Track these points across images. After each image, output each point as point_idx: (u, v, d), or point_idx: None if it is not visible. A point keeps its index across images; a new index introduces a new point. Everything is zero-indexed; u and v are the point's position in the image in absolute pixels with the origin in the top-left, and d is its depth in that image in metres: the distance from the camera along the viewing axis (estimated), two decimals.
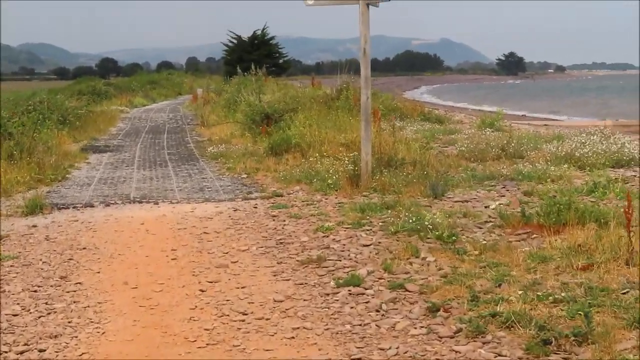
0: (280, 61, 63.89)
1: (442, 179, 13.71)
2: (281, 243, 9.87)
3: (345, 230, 10.31)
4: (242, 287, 7.92)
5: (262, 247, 9.70)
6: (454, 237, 9.33)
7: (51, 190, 14.75)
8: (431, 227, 9.77)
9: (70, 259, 9.39)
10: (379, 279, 7.94)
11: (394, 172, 14.06)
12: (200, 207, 12.76)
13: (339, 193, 13.26)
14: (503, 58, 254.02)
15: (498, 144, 16.88)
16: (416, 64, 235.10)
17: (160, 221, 11.72)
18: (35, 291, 7.96)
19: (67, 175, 16.67)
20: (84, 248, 9.99)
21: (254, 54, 57.45)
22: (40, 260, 9.36)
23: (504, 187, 13.31)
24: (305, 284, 7.94)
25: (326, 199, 13.01)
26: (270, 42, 63.00)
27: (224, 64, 67.73)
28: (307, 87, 40.84)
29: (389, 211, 11.28)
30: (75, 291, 7.94)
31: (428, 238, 9.46)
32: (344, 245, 9.51)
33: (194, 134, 27.07)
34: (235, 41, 62.53)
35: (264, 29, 62.24)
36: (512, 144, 16.66)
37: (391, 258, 8.68)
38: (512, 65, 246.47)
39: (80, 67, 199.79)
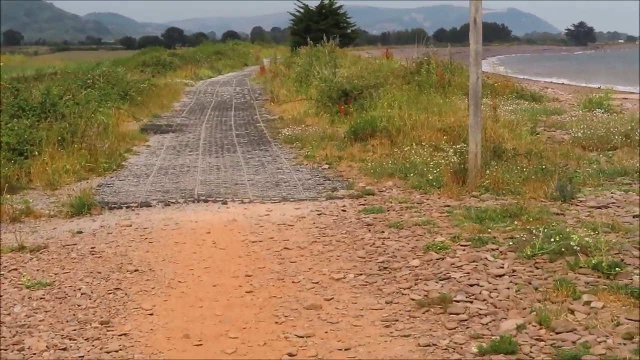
0: (348, 31, 61.55)
1: (565, 174, 11.42)
2: (385, 268, 7.69)
3: (464, 250, 8.08)
4: (345, 349, 5.74)
5: (361, 275, 7.53)
6: (617, 268, 7.03)
7: (103, 183, 12.75)
8: (578, 248, 7.50)
9: (117, 289, 7.33)
10: (537, 339, 5.68)
11: (504, 165, 11.79)
12: (277, 209, 10.64)
13: (442, 192, 11.02)
14: (572, 28, 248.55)
15: (620, 129, 14.44)
16: (484, 34, 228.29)
17: (230, 229, 9.62)
18: (65, 349, 5.88)
19: (123, 163, 14.65)
20: (136, 270, 7.93)
21: (322, 24, 55.75)
22: (79, 289, 7.30)
23: None
24: (434, 345, 5.72)
25: (427, 199, 10.80)
26: (338, 11, 60.73)
27: (290, 34, 65.91)
28: (378, 58, 38.62)
29: (514, 222, 8.99)
30: (117, 351, 5.83)
31: (580, 267, 7.18)
32: (469, 274, 7.28)
33: (264, 111, 24.97)
34: (302, 10, 60.37)
35: None
36: (638, 130, 14.23)
37: (541, 300, 6.45)
38: (581, 35, 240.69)
39: (146, 37, 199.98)
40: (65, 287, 7.41)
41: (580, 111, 19.01)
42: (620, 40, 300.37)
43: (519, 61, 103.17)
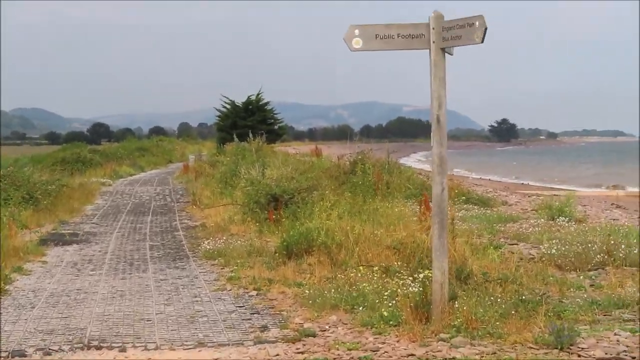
0: (276, 127, 59.90)
1: (551, 308, 9.23)
2: None
3: None
4: None
5: None
6: None
7: None
8: None
9: None
10: None
11: (474, 294, 9.56)
12: None
13: (400, 333, 8.67)
14: (495, 125, 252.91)
15: (599, 245, 12.34)
16: (409, 130, 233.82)
17: None
18: None
19: (7, 288, 12.01)
20: None
21: (249, 120, 54.21)
22: None
23: None
24: None
25: (383, 343, 8.44)
26: (265, 107, 59.17)
27: (217, 130, 63.91)
28: (308, 155, 36.91)
29: None
30: None
31: None
32: None
33: (184, 216, 22.51)
34: (228, 106, 58.56)
35: (258, 94, 58.38)
36: (622, 246, 12.14)
37: None
38: (504, 132, 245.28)
39: (71, 133, 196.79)
40: None
41: (542, 220, 16.97)
42: (541, 137, 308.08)
43: (456, 156, 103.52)
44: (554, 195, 26.13)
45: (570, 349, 7.83)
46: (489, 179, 51.84)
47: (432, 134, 9.09)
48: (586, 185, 46.26)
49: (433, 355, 7.83)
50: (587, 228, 14.82)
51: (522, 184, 48.34)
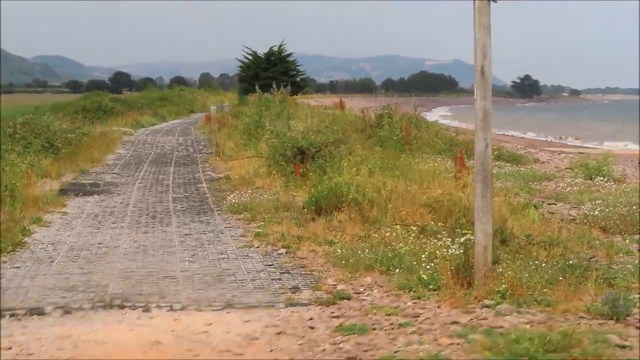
0: (298, 79, 59.35)
1: (600, 274, 8.67)
2: None
3: None
4: None
5: None
6: None
7: None
8: None
9: None
10: None
11: (518, 257, 9.01)
12: (218, 322, 7.65)
13: (441, 297, 8.16)
14: (518, 81, 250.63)
15: None
16: (431, 84, 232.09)
17: None
18: None
19: (25, 240, 11.56)
20: None
21: (270, 71, 53.77)
22: None
23: None
24: None
25: (423, 308, 7.94)
26: (287, 59, 58.62)
27: (238, 81, 63.45)
28: (331, 108, 36.44)
29: None
30: None
31: None
32: None
33: (208, 168, 22.01)
34: (250, 57, 58.01)
35: (280, 45, 57.79)
36: None
37: None
38: (526, 88, 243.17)
39: (92, 81, 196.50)
40: None
41: (579, 179, 16.36)
42: (564, 94, 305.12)
43: (469, 112, 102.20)
44: (580, 153, 25.54)
45: (627, 320, 7.29)
46: (512, 135, 51.23)
47: (475, 86, 8.51)
48: (599, 143, 45.42)
49: (479, 323, 7.30)
50: (628, 188, 14.24)
51: (547, 140, 47.67)
